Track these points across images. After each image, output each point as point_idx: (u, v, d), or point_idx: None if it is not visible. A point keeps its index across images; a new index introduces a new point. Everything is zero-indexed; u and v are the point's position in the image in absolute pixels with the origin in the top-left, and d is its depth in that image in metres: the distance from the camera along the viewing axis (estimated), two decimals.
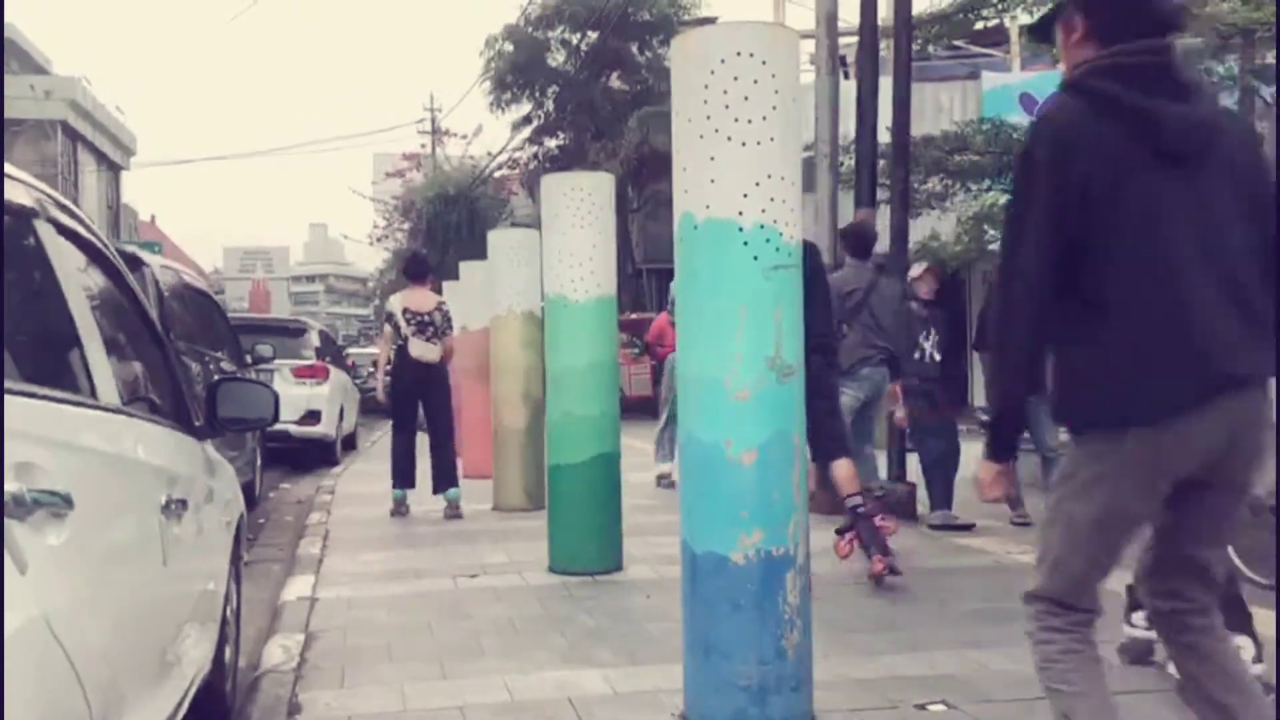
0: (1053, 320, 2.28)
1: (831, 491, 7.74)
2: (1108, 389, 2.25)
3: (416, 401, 8.08)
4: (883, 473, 7.74)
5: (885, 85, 7.96)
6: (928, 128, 12.62)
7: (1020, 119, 14.81)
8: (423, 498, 9.20)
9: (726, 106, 3.15)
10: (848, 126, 8.40)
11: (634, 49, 23.48)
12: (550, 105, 23.92)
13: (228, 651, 3.54)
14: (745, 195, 3.15)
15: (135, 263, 6.57)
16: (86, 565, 1.88)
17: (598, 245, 5.83)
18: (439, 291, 9.69)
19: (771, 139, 3.16)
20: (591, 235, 5.81)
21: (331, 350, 14.72)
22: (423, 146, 35.44)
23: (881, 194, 8.62)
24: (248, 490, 6.87)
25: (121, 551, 2.19)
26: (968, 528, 6.94)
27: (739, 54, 3.15)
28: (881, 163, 8.56)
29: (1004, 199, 12.47)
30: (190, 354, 7.08)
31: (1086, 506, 2.33)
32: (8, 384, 1.72)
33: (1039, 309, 2.27)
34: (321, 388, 12.22)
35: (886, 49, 9.58)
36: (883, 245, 7.85)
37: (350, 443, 14.54)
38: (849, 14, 8.84)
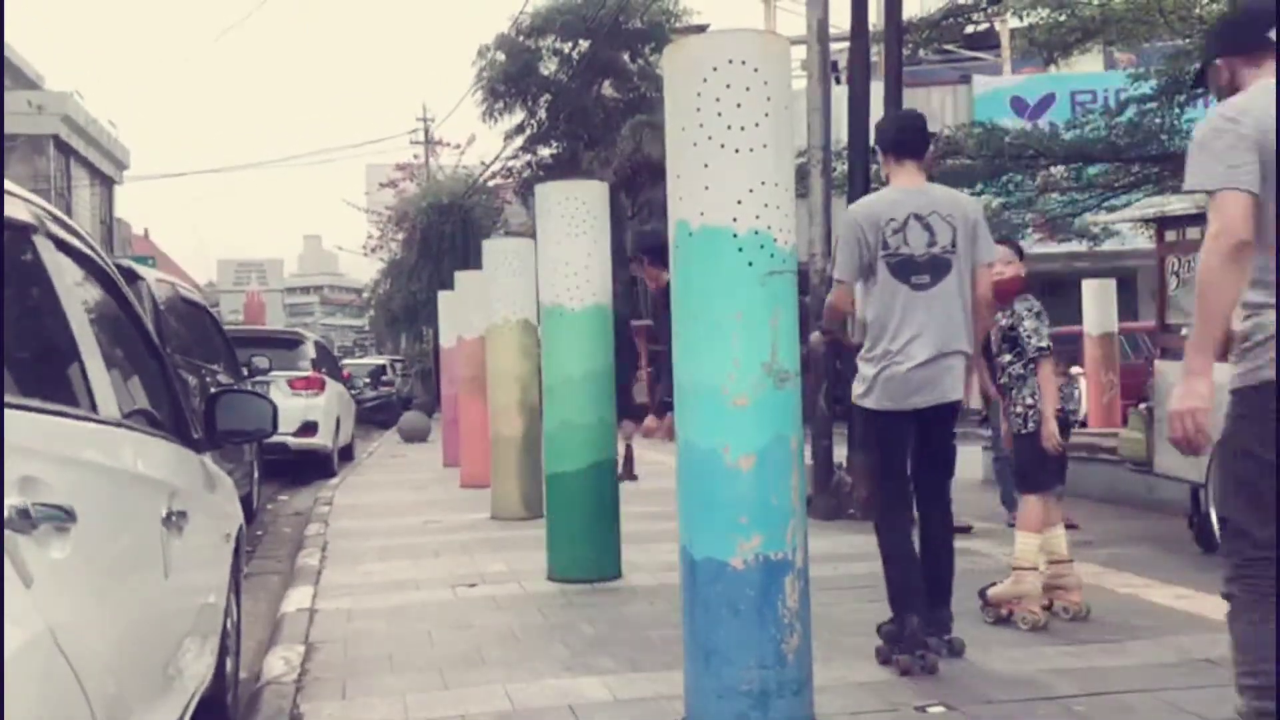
0: None
1: (830, 496, 7.76)
2: None
3: None
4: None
5: (877, 90, 8.00)
6: None
7: (1012, 122, 14.88)
8: (426, 507, 9.21)
9: (719, 114, 3.17)
10: (840, 132, 8.43)
11: (626, 57, 23.52)
12: (543, 114, 23.94)
13: (229, 663, 3.54)
14: (739, 202, 3.17)
15: (131, 277, 6.58)
16: (90, 578, 1.89)
17: (592, 254, 5.84)
18: (435, 301, 9.66)
19: (764, 145, 3.18)
20: (586, 244, 5.82)
21: (328, 361, 14.73)
22: (416, 157, 35.45)
23: None
24: (245, 502, 6.87)
25: (124, 564, 2.20)
26: (965, 530, 6.94)
27: (731, 62, 3.17)
28: (874, 167, 8.59)
29: (997, 201, 12.53)
30: (187, 367, 7.08)
31: None
32: (9, 399, 1.73)
33: None
34: (318, 399, 12.22)
35: (877, 54, 9.62)
36: None
37: (347, 454, 14.53)
38: (840, 20, 8.87)
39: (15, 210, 2.08)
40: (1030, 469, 4.69)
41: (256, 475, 9.19)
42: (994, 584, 4.73)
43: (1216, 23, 3.01)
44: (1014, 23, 14.17)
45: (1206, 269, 2.54)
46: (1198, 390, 2.50)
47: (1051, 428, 4.55)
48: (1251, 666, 2.46)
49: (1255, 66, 2.77)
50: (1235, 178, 2.50)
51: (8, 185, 2.06)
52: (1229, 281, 2.50)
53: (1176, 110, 11.66)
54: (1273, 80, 2.64)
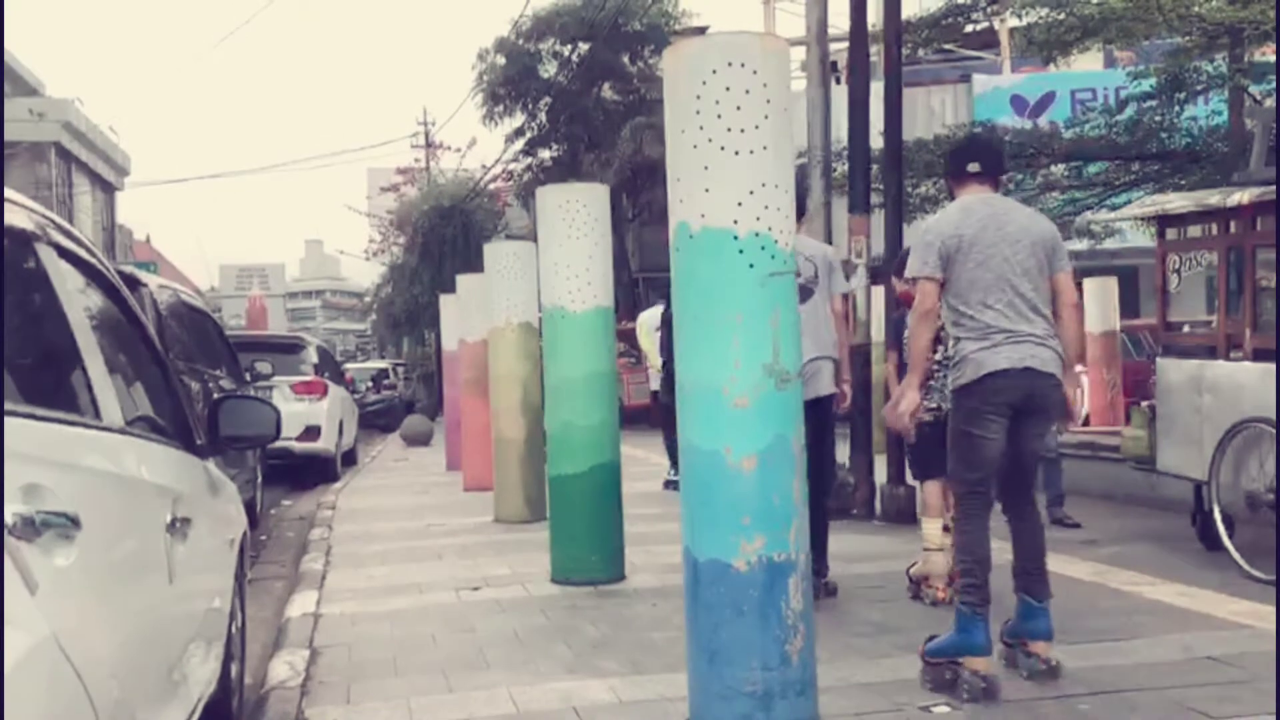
0: None
1: (832, 497, 7.76)
2: None
3: None
4: (881, 476, 7.76)
5: (877, 90, 8.00)
6: (920, 132, 12.67)
7: (1012, 121, 14.89)
8: (429, 510, 9.21)
9: (719, 116, 3.17)
10: (840, 132, 8.43)
11: (625, 59, 23.48)
12: (543, 117, 23.91)
13: (234, 669, 3.55)
14: (739, 204, 3.18)
15: (133, 283, 6.58)
16: (94, 585, 1.90)
17: (594, 256, 5.85)
18: (437, 305, 9.64)
19: (764, 147, 3.19)
20: (587, 246, 5.83)
21: (330, 366, 14.74)
22: (416, 160, 35.47)
23: (875, 199, 8.65)
24: (249, 508, 6.88)
25: (128, 571, 2.20)
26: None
27: (730, 64, 3.18)
28: (875, 168, 8.58)
29: None
30: (190, 373, 7.09)
31: None
32: (13, 406, 1.74)
33: None
34: (321, 403, 12.22)
35: (877, 55, 9.63)
36: (877, 250, 7.89)
37: (350, 458, 14.55)
38: (839, 20, 8.88)
39: (17, 218, 2.09)
40: (924, 458, 5.13)
41: (260, 480, 9.19)
42: (915, 563, 5.32)
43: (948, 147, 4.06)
44: (1013, 22, 14.17)
45: (913, 325, 3.98)
46: (909, 397, 3.92)
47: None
48: (962, 557, 3.82)
49: (961, 187, 4.03)
50: (925, 270, 3.86)
51: (9, 193, 2.07)
52: (925, 332, 3.90)
53: (1176, 108, 11.66)
54: (963, 200, 3.96)
